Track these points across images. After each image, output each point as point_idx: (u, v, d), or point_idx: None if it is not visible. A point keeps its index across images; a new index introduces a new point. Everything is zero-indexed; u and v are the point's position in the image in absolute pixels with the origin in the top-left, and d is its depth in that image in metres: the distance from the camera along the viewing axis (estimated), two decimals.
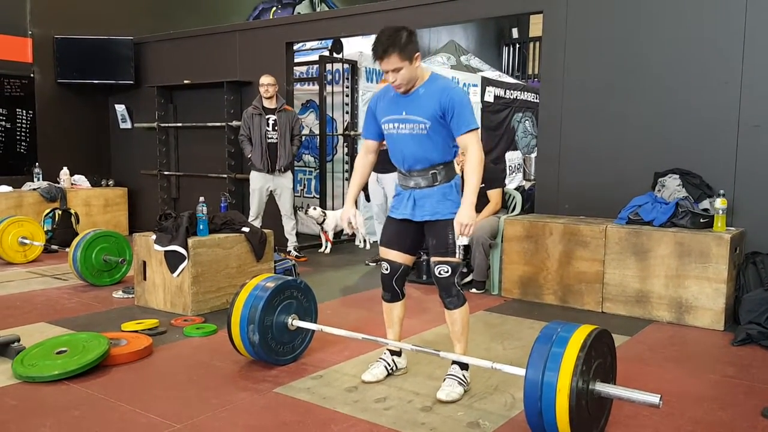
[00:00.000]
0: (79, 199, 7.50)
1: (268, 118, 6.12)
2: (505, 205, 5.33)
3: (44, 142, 7.82)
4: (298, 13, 10.53)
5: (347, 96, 7.61)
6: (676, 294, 4.14)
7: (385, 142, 3.03)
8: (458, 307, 2.89)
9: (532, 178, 9.50)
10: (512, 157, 10.29)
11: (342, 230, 6.27)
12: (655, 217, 4.32)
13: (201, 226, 4.30)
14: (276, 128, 6.12)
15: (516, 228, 4.77)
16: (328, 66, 7.48)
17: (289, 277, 3.42)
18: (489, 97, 10.24)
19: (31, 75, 7.67)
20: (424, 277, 5.30)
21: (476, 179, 2.75)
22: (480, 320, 4.18)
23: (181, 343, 3.65)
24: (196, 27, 7.98)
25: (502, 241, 4.93)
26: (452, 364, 2.90)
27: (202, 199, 4.39)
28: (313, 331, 3.32)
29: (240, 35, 7.21)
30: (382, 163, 5.95)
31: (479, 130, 2.80)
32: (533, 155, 9.94)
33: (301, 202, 7.85)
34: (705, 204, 4.30)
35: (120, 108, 8.29)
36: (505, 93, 10.65)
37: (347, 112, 7.59)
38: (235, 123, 6.88)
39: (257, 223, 5.98)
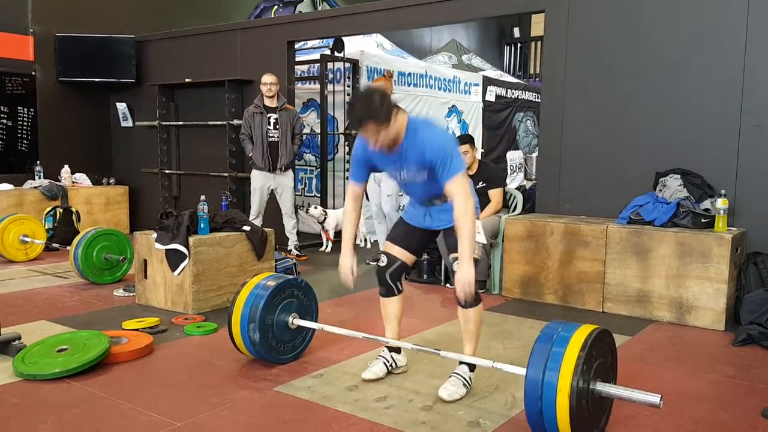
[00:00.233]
0: (80, 197, 7.50)
1: (269, 117, 6.12)
2: (506, 205, 5.33)
3: (45, 141, 7.83)
4: (300, 11, 10.52)
5: (348, 95, 7.61)
6: (676, 294, 4.13)
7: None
8: (474, 306, 2.87)
9: (533, 177, 9.50)
10: (513, 157, 10.30)
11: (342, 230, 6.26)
12: (656, 217, 4.32)
13: (202, 225, 4.30)
14: (277, 127, 6.12)
15: (517, 227, 4.77)
16: (330, 65, 7.47)
17: (290, 276, 3.42)
18: (490, 97, 10.25)
19: (33, 73, 7.68)
20: (425, 277, 5.30)
21: (468, 232, 2.59)
22: None
23: (182, 342, 3.65)
24: (198, 25, 7.98)
25: (503, 241, 4.93)
26: (460, 363, 2.89)
27: (203, 197, 4.39)
28: (314, 329, 3.32)
29: (241, 34, 7.21)
30: None
31: (464, 171, 2.65)
32: (534, 155, 9.93)
33: (302, 201, 7.86)
34: (706, 204, 4.29)
35: (121, 106, 8.29)
36: (506, 92, 10.66)
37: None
38: (236, 122, 6.88)
39: (258, 222, 5.98)
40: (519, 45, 14.14)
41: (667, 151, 4.59)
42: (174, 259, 4.20)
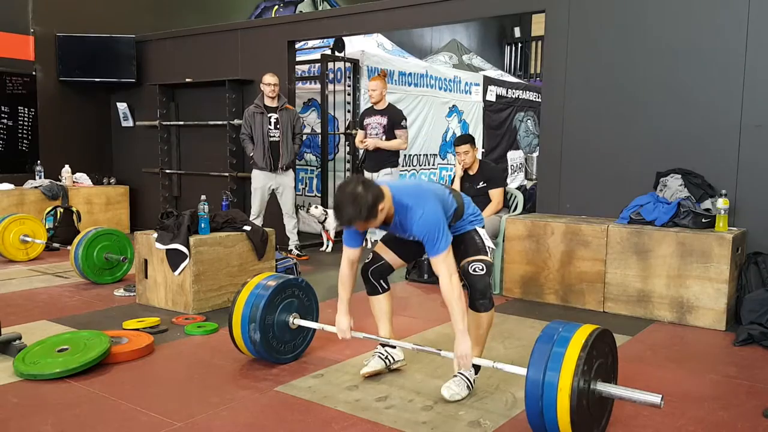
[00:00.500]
0: (81, 197, 7.51)
1: (270, 117, 6.12)
2: (507, 205, 5.32)
3: (46, 140, 7.83)
4: (300, 11, 10.52)
5: (349, 95, 7.61)
6: (677, 294, 4.13)
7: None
8: (488, 311, 2.88)
9: (534, 177, 9.50)
10: (514, 157, 10.31)
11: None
12: (657, 217, 4.32)
13: (202, 225, 4.30)
14: (278, 127, 6.12)
15: (517, 227, 4.77)
16: (330, 65, 7.47)
17: (291, 276, 3.42)
18: (491, 97, 10.25)
19: (33, 73, 7.68)
20: (426, 277, 5.30)
21: (457, 307, 2.61)
22: None
23: (182, 342, 3.65)
24: (198, 25, 7.99)
25: (503, 241, 4.92)
26: None
27: (203, 197, 4.39)
28: (315, 329, 3.32)
29: (242, 33, 7.21)
30: (375, 162, 6.00)
31: (448, 249, 2.65)
32: (535, 155, 9.94)
33: (302, 200, 7.86)
34: (707, 204, 4.29)
35: (122, 106, 8.29)
36: (507, 92, 10.65)
37: (349, 111, 7.59)
38: (236, 121, 6.88)
39: (259, 222, 5.98)
40: (519, 45, 14.14)
41: (668, 150, 4.59)
42: (174, 258, 4.20)
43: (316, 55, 7.63)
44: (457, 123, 9.38)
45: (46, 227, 6.50)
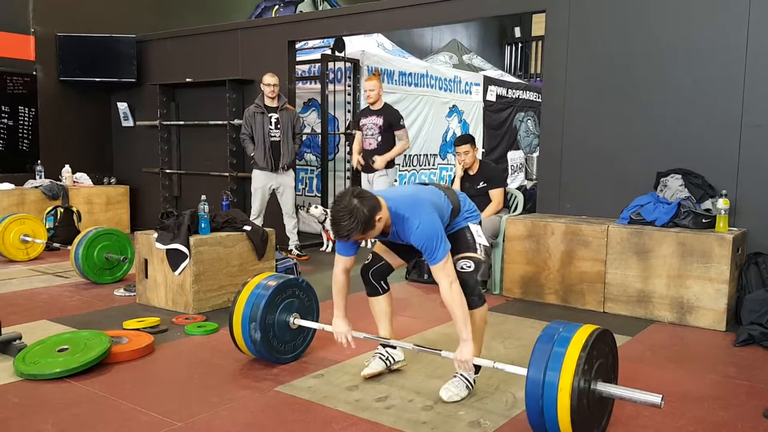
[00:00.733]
0: (81, 197, 7.51)
1: (270, 117, 6.12)
2: (507, 205, 5.32)
3: (46, 140, 7.83)
4: (300, 11, 10.52)
5: (349, 95, 7.61)
6: (677, 294, 4.13)
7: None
8: (477, 307, 2.87)
9: (534, 177, 9.50)
10: (514, 157, 10.31)
11: None
12: (657, 217, 4.32)
13: (203, 225, 4.30)
14: (278, 126, 6.12)
15: (517, 227, 4.77)
16: (330, 64, 7.48)
17: (291, 276, 3.42)
18: (491, 97, 10.25)
19: (34, 72, 7.68)
20: (426, 277, 5.30)
21: (459, 313, 2.63)
22: None
23: (183, 342, 3.65)
24: (199, 25, 7.98)
25: (503, 241, 4.92)
26: None
27: (203, 197, 4.39)
28: (315, 329, 3.32)
29: (242, 33, 7.21)
30: (370, 163, 5.99)
31: (447, 257, 2.66)
32: (535, 155, 9.94)
33: (302, 200, 7.85)
34: (707, 204, 4.29)
35: (122, 106, 8.29)
36: (507, 92, 10.65)
37: (349, 111, 7.59)
38: (237, 121, 6.88)
39: (259, 222, 5.98)
40: (520, 45, 14.14)
41: (668, 151, 4.59)
42: (175, 258, 4.20)
43: (317, 55, 7.64)
44: (457, 123, 9.38)
45: (47, 227, 6.50)
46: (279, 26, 7.01)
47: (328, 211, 6.77)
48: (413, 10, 5.86)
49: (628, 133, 4.78)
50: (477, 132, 9.82)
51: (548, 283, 4.65)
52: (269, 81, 6.06)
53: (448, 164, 9.18)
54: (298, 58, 7.35)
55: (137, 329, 3.73)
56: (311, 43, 8.13)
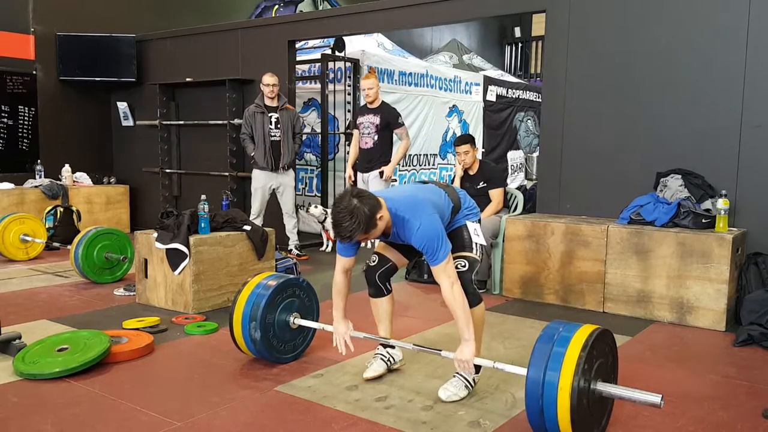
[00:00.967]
0: (81, 196, 7.51)
1: (270, 116, 6.12)
2: (507, 205, 5.32)
3: (46, 140, 7.83)
4: (301, 11, 10.52)
5: (349, 94, 7.61)
6: (677, 294, 4.13)
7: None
8: (473, 306, 2.86)
9: (534, 177, 9.50)
10: (514, 157, 10.31)
11: None
12: (657, 218, 4.32)
13: (202, 224, 4.30)
14: (278, 126, 6.12)
15: (517, 227, 4.77)
16: (330, 64, 7.48)
17: (292, 276, 3.42)
18: (491, 96, 10.25)
19: (34, 72, 7.68)
20: (426, 277, 5.30)
21: (461, 313, 2.64)
22: None
23: (182, 341, 3.65)
24: (199, 25, 7.98)
25: (503, 241, 4.92)
26: None
27: (203, 197, 4.39)
28: (315, 329, 3.32)
29: (242, 33, 7.21)
30: (366, 162, 5.95)
31: (448, 257, 2.66)
32: (535, 155, 9.94)
33: (302, 200, 7.85)
34: (707, 204, 4.29)
35: (122, 105, 8.29)
36: (507, 92, 10.66)
37: (349, 111, 7.59)
38: (237, 121, 6.88)
39: (259, 222, 5.98)
40: (520, 45, 14.14)
41: (668, 151, 4.59)
42: (174, 258, 4.20)
43: (317, 55, 7.63)
44: (457, 123, 9.38)
45: (46, 226, 6.50)
46: (279, 26, 7.01)
47: (328, 210, 6.77)
48: (413, 10, 5.86)
49: (628, 133, 4.78)
50: (477, 132, 9.82)
51: (548, 283, 4.65)
52: (268, 81, 6.06)
53: (448, 164, 9.18)
54: (298, 58, 7.35)
55: (137, 329, 3.73)
56: (311, 43, 8.13)
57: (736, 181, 4.36)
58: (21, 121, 7.64)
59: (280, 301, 3.17)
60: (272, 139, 6.12)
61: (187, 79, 7.43)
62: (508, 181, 9.39)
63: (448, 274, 2.66)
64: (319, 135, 7.55)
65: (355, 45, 7.77)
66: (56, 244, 6.17)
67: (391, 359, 3.10)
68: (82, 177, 7.84)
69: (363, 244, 2.97)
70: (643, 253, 4.23)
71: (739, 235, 4.10)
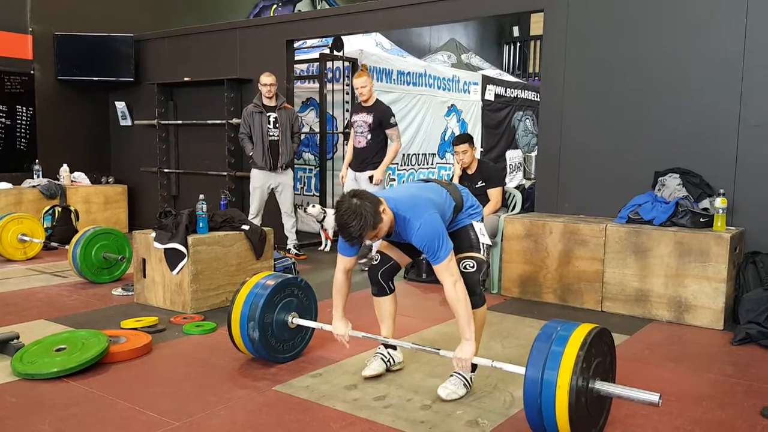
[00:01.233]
0: (79, 196, 7.50)
1: (269, 116, 6.12)
2: (505, 204, 5.33)
3: (44, 139, 7.82)
4: (299, 10, 10.51)
5: (348, 94, 7.60)
6: (675, 293, 4.14)
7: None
8: (478, 307, 2.86)
9: (533, 176, 9.50)
10: (512, 156, 10.31)
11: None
12: (655, 217, 4.32)
13: (201, 224, 4.30)
14: (277, 126, 6.11)
15: (516, 227, 4.77)
16: (329, 64, 7.47)
17: (290, 275, 3.42)
18: (489, 96, 10.25)
19: (32, 72, 7.67)
20: (425, 276, 5.30)
21: (463, 312, 2.64)
22: None
23: (181, 341, 3.65)
24: (197, 24, 7.97)
25: (501, 240, 4.93)
26: None
27: (201, 196, 4.39)
28: (313, 329, 3.32)
29: (240, 33, 7.20)
30: (359, 162, 5.91)
31: (450, 255, 2.66)
32: (533, 154, 9.94)
33: (301, 200, 7.85)
34: (705, 203, 4.30)
35: (120, 105, 8.28)
36: (505, 91, 10.66)
37: (347, 110, 7.59)
38: (235, 121, 6.88)
39: (257, 221, 5.97)
40: (518, 44, 14.14)
41: (666, 150, 4.59)
42: (173, 258, 4.20)
43: (315, 55, 7.63)
44: (455, 122, 9.39)
45: (44, 226, 6.49)
46: (277, 25, 7.01)
47: (326, 209, 6.77)
48: (412, 10, 5.86)
49: (626, 132, 4.78)
50: (475, 131, 9.82)
51: (546, 283, 4.65)
52: (266, 81, 6.05)
53: (446, 163, 9.18)
54: (296, 58, 7.35)
55: (135, 329, 3.73)
56: (310, 43, 8.12)
57: (734, 180, 4.36)
58: (19, 121, 7.63)
59: (278, 300, 3.17)
60: (270, 138, 6.12)
61: (186, 79, 7.42)
62: (507, 180, 9.39)
63: (451, 272, 2.66)
64: (318, 134, 7.55)
65: (354, 44, 7.76)
66: (54, 244, 6.16)
67: (391, 360, 3.10)
68: (80, 177, 7.83)
69: (358, 251, 2.96)
70: (641, 252, 4.24)
71: (737, 234, 4.10)
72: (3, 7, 7.36)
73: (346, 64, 7.54)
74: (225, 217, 4.54)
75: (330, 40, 7.43)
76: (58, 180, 7.49)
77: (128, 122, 8.30)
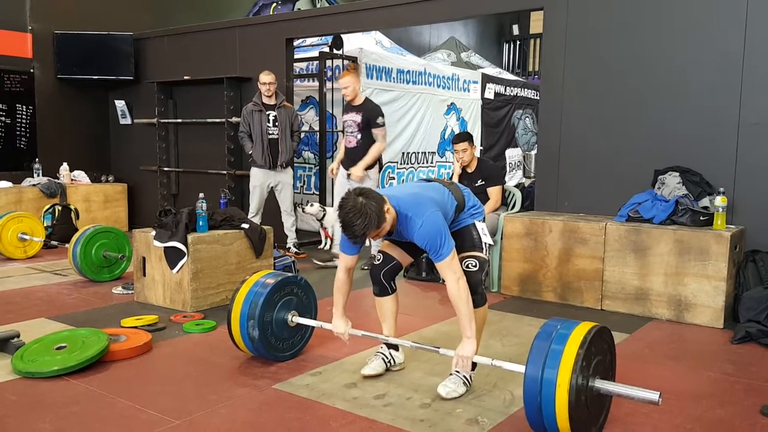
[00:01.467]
0: (79, 194, 7.50)
1: (268, 114, 6.12)
2: (505, 203, 5.32)
3: (44, 138, 7.82)
4: (298, 9, 10.50)
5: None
6: (675, 292, 4.14)
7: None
8: (479, 307, 2.87)
9: (532, 175, 9.51)
10: (512, 154, 10.31)
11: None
12: (655, 215, 4.32)
13: (200, 223, 4.30)
14: (277, 124, 6.11)
15: (515, 225, 4.77)
16: (328, 62, 7.46)
17: (290, 274, 3.42)
18: (489, 94, 10.25)
19: (31, 70, 7.66)
20: (424, 275, 5.30)
21: (465, 310, 2.65)
22: None
23: (181, 340, 3.65)
24: (196, 23, 7.97)
25: (501, 239, 4.93)
26: None
27: (201, 195, 4.39)
28: (313, 327, 3.32)
29: (240, 31, 7.20)
30: (350, 162, 5.86)
31: (452, 253, 2.67)
32: (533, 152, 9.95)
33: (300, 198, 7.85)
34: (705, 202, 4.30)
35: (120, 104, 8.28)
36: (505, 90, 10.65)
37: None
38: (234, 119, 6.87)
39: (257, 220, 5.98)
40: (518, 42, 14.13)
41: (666, 148, 4.59)
42: (172, 256, 4.20)
43: (315, 53, 7.62)
44: (455, 121, 9.38)
45: (44, 225, 6.49)
46: (277, 24, 7.00)
47: (326, 207, 6.76)
48: (411, 8, 5.85)
49: (626, 130, 4.78)
50: (475, 130, 9.82)
51: (546, 281, 4.65)
52: (265, 79, 6.05)
53: (446, 162, 9.17)
54: (296, 56, 7.34)
55: (135, 327, 3.73)
56: (309, 41, 8.11)
57: (734, 178, 4.36)
58: (19, 120, 7.63)
59: (278, 299, 3.17)
60: (270, 137, 6.11)
61: (185, 77, 7.42)
62: (506, 178, 9.39)
63: (454, 270, 2.67)
64: (317, 133, 7.54)
65: (353, 43, 7.75)
66: (54, 243, 6.16)
67: (392, 361, 3.11)
68: (80, 175, 7.83)
69: (360, 250, 2.96)
70: (641, 250, 4.24)
71: (737, 233, 4.10)
72: (3, 6, 7.35)
73: (346, 62, 7.53)
74: (225, 216, 4.54)
75: (329, 39, 7.42)
76: (58, 179, 7.49)
77: (128, 121, 8.29)
